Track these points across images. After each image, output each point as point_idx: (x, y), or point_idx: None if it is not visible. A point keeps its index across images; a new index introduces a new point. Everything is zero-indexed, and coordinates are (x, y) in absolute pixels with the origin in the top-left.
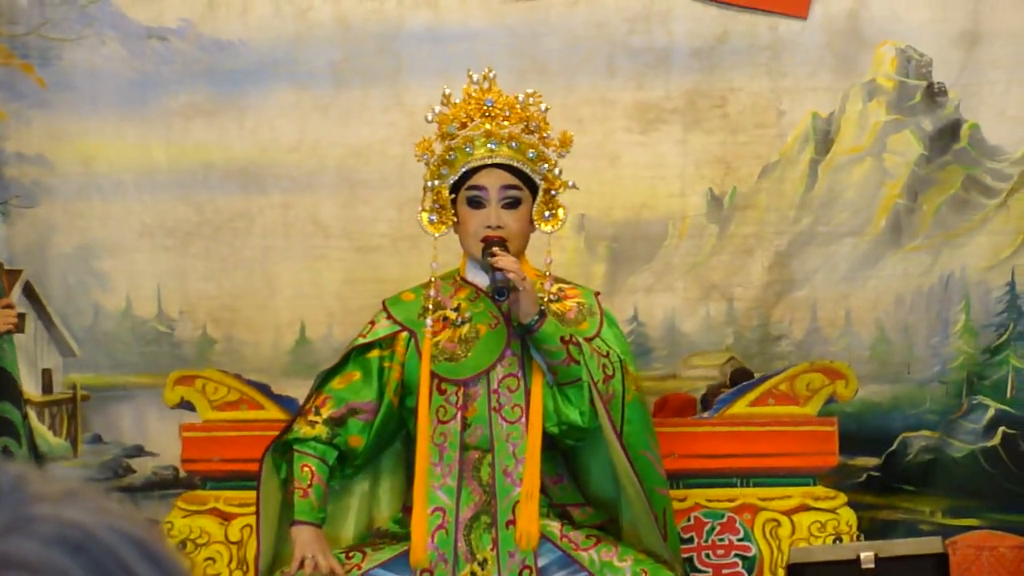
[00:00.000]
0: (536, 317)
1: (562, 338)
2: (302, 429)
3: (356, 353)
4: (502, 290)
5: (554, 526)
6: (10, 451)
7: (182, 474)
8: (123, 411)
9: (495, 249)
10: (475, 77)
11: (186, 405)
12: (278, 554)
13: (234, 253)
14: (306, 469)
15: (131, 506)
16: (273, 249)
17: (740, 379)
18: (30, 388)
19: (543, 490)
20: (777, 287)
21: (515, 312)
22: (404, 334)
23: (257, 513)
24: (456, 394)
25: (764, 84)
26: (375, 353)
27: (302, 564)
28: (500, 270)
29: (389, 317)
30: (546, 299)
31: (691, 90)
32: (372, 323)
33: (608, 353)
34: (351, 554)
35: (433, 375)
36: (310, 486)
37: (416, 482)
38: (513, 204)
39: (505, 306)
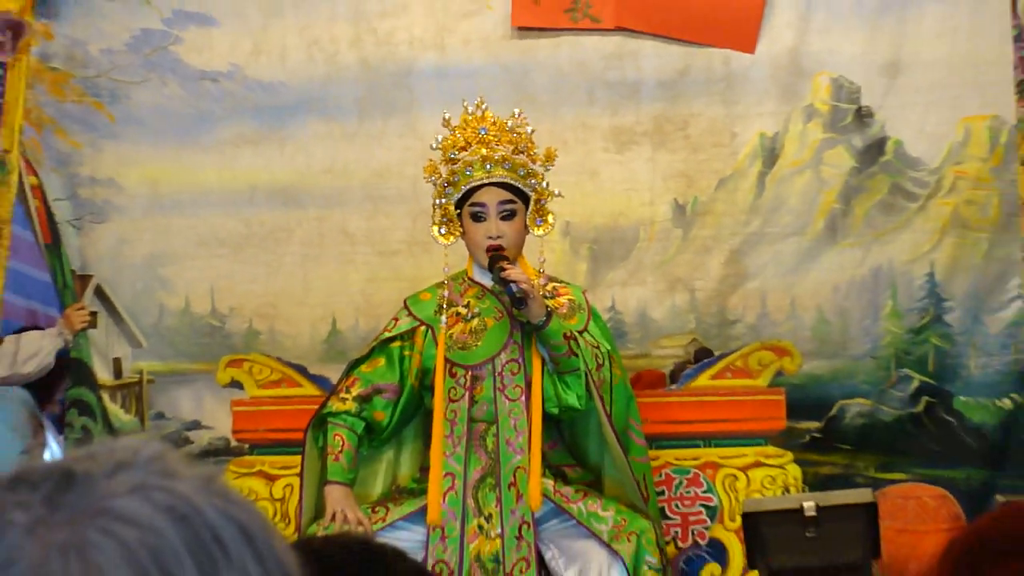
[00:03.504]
0: (544, 318)
1: (564, 334)
2: (335, 405)
3: (381, 344)
4: (521, 301)
5: (548, 483)
6: (88, 429)
7: (233, 443)
8: (182, 392)
9: (503, 264)
10: (470, 109)
11: (236, 385)
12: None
13: (276, 259)
14: (338, 438)
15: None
16: (308, 256)
17: (702, 357)
18: (103, 374)
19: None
20: (732, 280)
21: (527, 315)
22: (422, 328)
23: (301, 477)
24: (465, 377)
25: (719, 110)
26: (397, 344)
27: (334, 517)
28: (514, 282)
29: (410, 315)
30: (542, 294)
31: (658, 116)
32: (396, 319)
33: (599, 345)
34: (376, 509)
35: (447, 361)
36: (341, 451)
37: (432, 451)
38: (510, 216)
39: (518, 312)
